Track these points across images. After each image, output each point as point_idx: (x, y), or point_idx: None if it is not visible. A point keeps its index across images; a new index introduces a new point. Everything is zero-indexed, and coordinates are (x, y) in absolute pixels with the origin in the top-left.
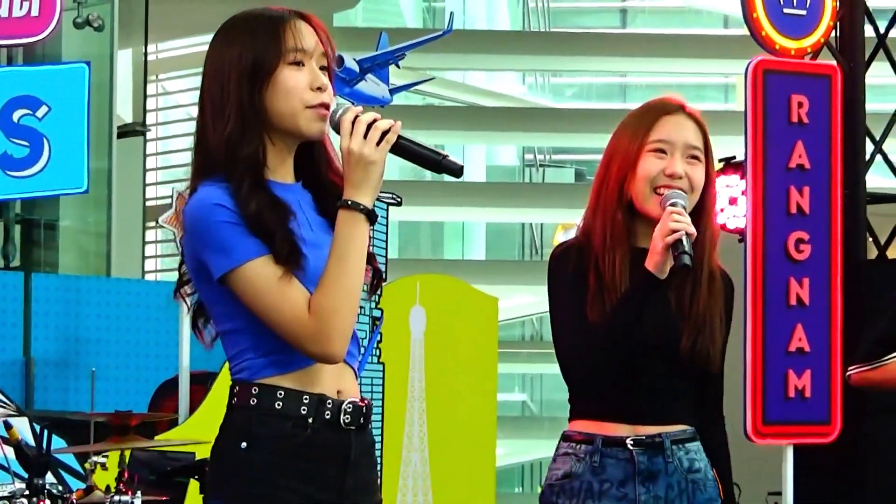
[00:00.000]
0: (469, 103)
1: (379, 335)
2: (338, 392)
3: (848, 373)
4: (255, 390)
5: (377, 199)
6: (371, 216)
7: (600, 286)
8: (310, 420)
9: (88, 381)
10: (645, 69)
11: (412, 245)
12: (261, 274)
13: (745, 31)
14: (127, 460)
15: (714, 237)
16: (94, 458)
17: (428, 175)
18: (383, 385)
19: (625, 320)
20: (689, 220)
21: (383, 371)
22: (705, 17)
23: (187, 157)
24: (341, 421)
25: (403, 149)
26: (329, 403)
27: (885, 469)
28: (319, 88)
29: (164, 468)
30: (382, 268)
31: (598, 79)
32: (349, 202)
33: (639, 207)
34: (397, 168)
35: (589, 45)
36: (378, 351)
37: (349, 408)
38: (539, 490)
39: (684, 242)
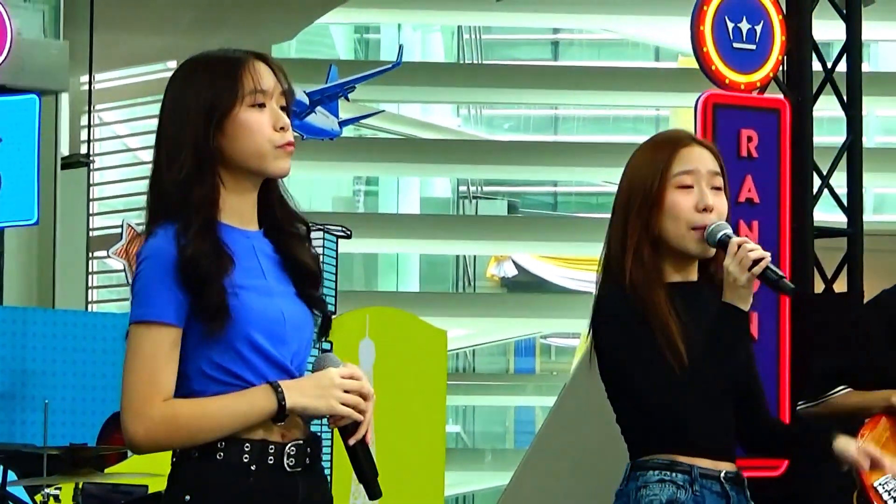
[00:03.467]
0: (403, 135)
1: None
2: (282, 435)
3: (797, 409)
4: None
5: (326, 232)
6: None
7: (657, 326)
8: (252, 468)
9: (36, 413)
10: (576, 101)
11: (346, 277)
12: (150, 337)
13: (676, 63)
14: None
15: None
16: (47, 491)
17: (361, 207)
18: None
19: (723, 359)
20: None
21: None
22: (637, 50)
23: (126, 188)
24: (285, 465)
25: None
26: (271, 448)
27: (835, 495)
28: (283, 128)
29: (117, 501)
30: (332, 301)
31: (531, 111)
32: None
33: (675, 247)
34: (330, 199)
35: (521, 78)
36: None
37: (292, 450)
38: None
39: (774, 268)
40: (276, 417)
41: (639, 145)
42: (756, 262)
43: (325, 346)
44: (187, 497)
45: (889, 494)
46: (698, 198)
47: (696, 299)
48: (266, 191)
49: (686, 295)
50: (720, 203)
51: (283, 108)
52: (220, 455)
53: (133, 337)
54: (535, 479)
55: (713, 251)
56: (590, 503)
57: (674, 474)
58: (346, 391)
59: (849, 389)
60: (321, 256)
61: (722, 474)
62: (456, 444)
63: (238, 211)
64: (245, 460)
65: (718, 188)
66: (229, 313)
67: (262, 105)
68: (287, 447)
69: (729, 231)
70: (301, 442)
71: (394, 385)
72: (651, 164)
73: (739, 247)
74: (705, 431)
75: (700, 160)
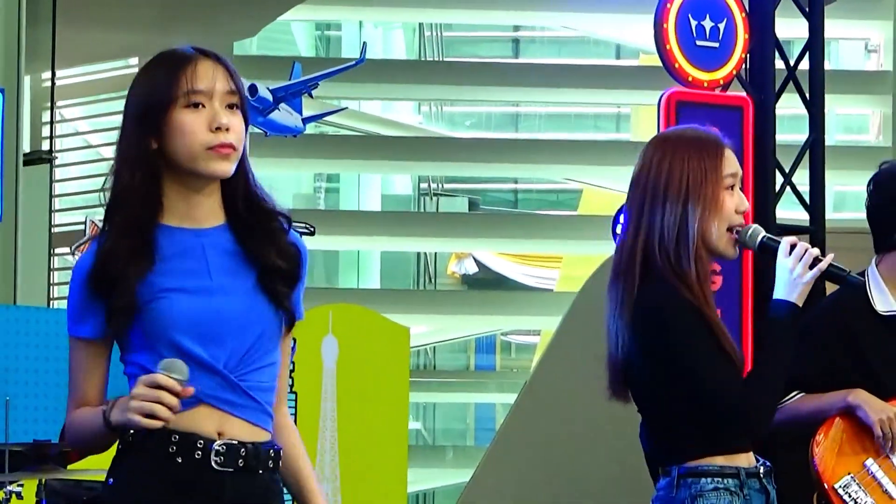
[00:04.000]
0: (364, 132)
1: (292, 365)
2: (218, 434)
3: None
4: (131, 430)
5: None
6: None
7: (715, 322)
8: (178, 459)
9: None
10: (537, 99)
11: (307, 274)
12: (74, 355)
13: (637, 61)
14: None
15: None
16: (10, 488)
17: (322, 204)
18: (296, 415)
19: (790, 357)
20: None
21: (296, 401)
22: (598, 48)
23: (88, 185)
24: (212, 462)
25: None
26: (200, 443)
27: (795, 498)
28: (219, 128)
29: (80, 497)
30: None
31: (492, 108)
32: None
33: (712, 246)
34: (291, 196)
35: (482, 75)
36: (290, 381)
37: (222, 448)
38: None
39: (837, 265)
40: (116, 431)
41: (664, 138)
42: (817, 259)
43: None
44: (110, 480)
45: (850, 497)
46: (738, 200)
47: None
48: (233, 185)
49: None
50: (746, 203)
51: (233, 107)
52: (147, 443)
53: (69, 345)
54: (497, 476)
55: (737, 254)
56: (549, 499)
57: (726, 480)
58: (141, 398)
59: (802, 394)
60: None
61: (760, 471)
62: (416, 441)
63: (185, 211)
64: (171, 451)
65: (740, 187)
66: (132, 314)
67: (197, 105)
68: (216, 444)
69: (766, 233)
70: (235, 443)
71: (357, 382)
72: (706, 166)
73: (797, 246)
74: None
75: (735, 163)
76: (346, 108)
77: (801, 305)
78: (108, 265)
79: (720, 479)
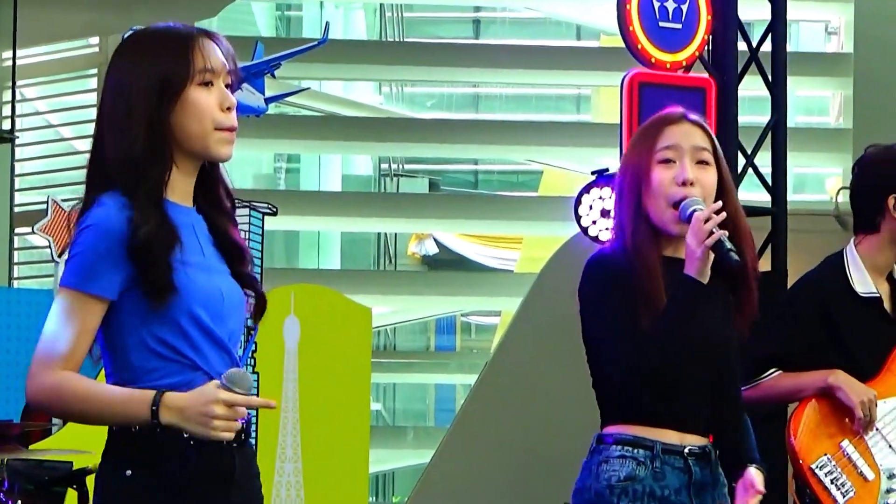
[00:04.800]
0: (325, 112)
1: (254, 345)
2: None
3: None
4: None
5: (253, 209)
6: None
7: (642, 296)
8: (192, 443)
9: None
10: (498, 80)
11: (268, 255)
12: (70, 304)
13: (598, 43)
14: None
15: (750, 237)
16: None
17: (283, 184)
18: (258, 395)
19: (676, 329)
20: (717, 218)
21: (258, 381)
22: (559, 29)
23: (49, 165)
24: (223, 441)
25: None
26: None
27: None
28: (229, 108)
29: (42, 478)
30: (258, 277)
31: (454, 89)
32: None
33: (657, 224)
34: (251, 177)
35: (442, 56)
36: (252, 361)
37: None
38: (396, 500)
39: (725, 241)
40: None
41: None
42: (709, 234)
43: (251, 322)
44: (128, 472)
45: (827, 477)
46: (678, 171)
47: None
48: (209, 168)
49: (675, 271)
50: (704, 177)
51: (230, 87)
52: (160, 430)
53: (61, 300)
54: (457, 456)
55: (682, 230)
56: (511, 480)
57: (635, 450)
58: (220, 416)
59: (780, 372)
60: (247, 234)
61: (686, 450)
62: (377, 421)
63: (181, 188)
64: (185, 436)
65: (705, 162)
66: (175, 290)
67: (209, 84)
68: None
69: (700, 206)
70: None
71: (319, 362)
72: (640, 143)
73: (700, 221)
74: (670, 404)
75: (685, 136)
76: (308, 88)
77: (703, 282)
78: (148, 239)
79: (629, 448)
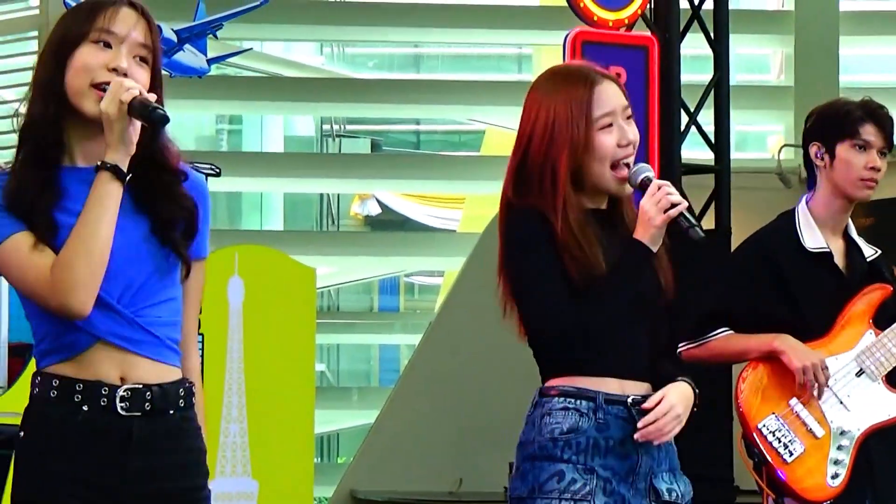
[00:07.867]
0: (267, 73)
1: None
2: (120, 379)
3: (678, 350)
4: (37, 379)
5: (195, 171)
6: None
7: (574, 255)
8: (84, 408)
9: None
10: (438, 39)
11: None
12: (12, 247)
13: (538, 2)
14: None
15: None
16: None
17: (225, 146)
18: (202, 356)
19: (627, 295)
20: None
21: (202, 342)
22: None
23: None
24: (118, 408)
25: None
26: (105, 390)
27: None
28: (115, 70)
29: None
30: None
31: (395, 49)
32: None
33: (596, 184)
34: (193, 139)
35: (383, 15)
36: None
37: (127, 394)
38: (341, 460)
39: (687, 215)
40: (118, 175)
41: (540, 80)
42: (674, 206)
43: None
44: (21, 433)
45: (773, 436)
46: (619, 135)
47: (609, 227)
48: (149, 129)
49: (600, 221)
50: (635, 133)
51: (143, 60)
52: (53, 392)
53: (2, 256)
54: (402, 416)
55: (630, 190)
56: (455, 439)
57: (578, 402)
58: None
59: (730, 332)
60: None
61: (629, 399)
62: (321, 382)
63: (90, 150)
64: (77, 399)
65: (630, 117)
66: (56, 231)
67: (107, 45)
68: (121, 389)
69: (651, 174)
70: (140, 387)
71: (263, 323)
72: (571, 108)
73: (659, 188)
74: (611, 353)
75: (615, 98)
76: (251, 49)
77: (654, 250)
78: (21, 194)
79: (572, 400)
